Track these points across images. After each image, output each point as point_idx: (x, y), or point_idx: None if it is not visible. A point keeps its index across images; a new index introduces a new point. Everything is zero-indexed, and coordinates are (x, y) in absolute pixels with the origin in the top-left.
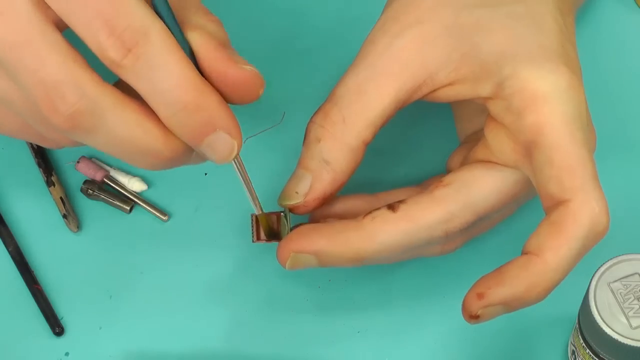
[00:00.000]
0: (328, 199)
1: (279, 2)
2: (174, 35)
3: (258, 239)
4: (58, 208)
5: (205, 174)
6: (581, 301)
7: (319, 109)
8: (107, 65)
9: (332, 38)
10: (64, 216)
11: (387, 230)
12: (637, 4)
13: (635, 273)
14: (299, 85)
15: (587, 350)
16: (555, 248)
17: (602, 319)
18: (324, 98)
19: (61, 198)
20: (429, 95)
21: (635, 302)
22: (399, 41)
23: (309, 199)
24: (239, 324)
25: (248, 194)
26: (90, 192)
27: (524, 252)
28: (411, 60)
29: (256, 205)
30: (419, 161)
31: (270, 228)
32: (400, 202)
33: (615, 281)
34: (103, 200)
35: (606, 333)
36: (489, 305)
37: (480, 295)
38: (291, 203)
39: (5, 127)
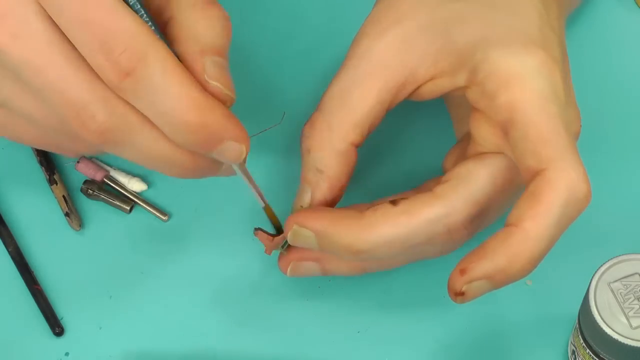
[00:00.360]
0: (332, 205)
1: (279, 2)
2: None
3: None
4: (60, 207)
5: None
6: (581, 301)
7: (308, 119)
8: (109, 86)
9: (332, 38)
10: (67, 214)
11: (387, 222)
12: (637, 4)
13: (635, 273)
14: (299, 85)
15: (587, 350)
16: (533, 217)
17: (602, 319)
18: None
19: (64, 197)
20: (414, 93)
21: (636, 302)
22: (378, 43)
23: None
24: (239, 324)
25: (252, 190)
26: (90, 192)
27: (505, 226)
28: (391, 60)
29: (261, 199)
30: (417, 161)
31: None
32: (402, 198)
33: (616, 281)
34: (103, 200)
35: (606, 333)
36: (472, 281)
37: (462, 271)
38: None
39: (25, 139)
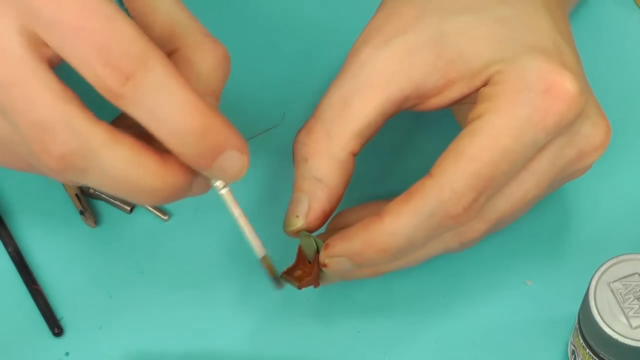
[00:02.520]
0: (329, 215)
1: (279, 2)
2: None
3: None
4: (74, 205)
5: None
6: (581, 301)
7: (303, 126)
8: (106, 96)
9: (332, 38)
10: (81, 212)
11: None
12: (637, 4)
13: (635, 273)
14: (299, 86)
15: (587, 350)
16: (395, 214)
17: (602, 319)
18: None
19: (77, 195)
20: (421, 105)
21: (635, 302)
22: (383, 52)
23: (310, 219)
24: (239, 324)
25: (246, 234)
26: (93, 190)
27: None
28: (396, 71)
29: (257, 246)
30: (413, 166)
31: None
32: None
33: (615, 281)
34: (104, 199)
35: (606, 333)
36: (333, 256)
37: (326, 246)
38: (295, 228)
39: (4, 162)
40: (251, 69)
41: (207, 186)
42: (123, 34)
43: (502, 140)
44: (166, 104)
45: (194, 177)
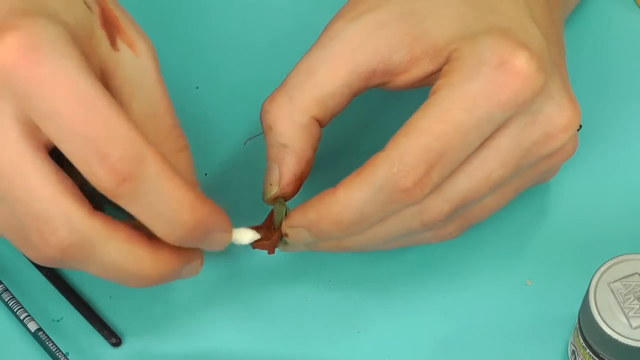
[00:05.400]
0: (301, 179)
1: (280, 2)
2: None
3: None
4: None
5: (205, 174)
6: (581, 301)
7: (269, 95)
8: (100, 191)
9: None
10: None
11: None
12: (637, 4)
13: (635, 273)
14: None
15: (587, 350)
16: (347, 186)
17: (602, 319)
18: None
19: None
20: (390, 83)
21: (636, 302)
22: (352, 26)
23: (283, 185)
24: (239, 323)
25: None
26: None
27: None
28: (363, 44)
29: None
30: None
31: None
32: None
33: (615, 281)
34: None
35: (606, 333)
36: (292, 226)
37: (287, 216)
38: (271, 195)
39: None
40: (250, 69)
41: (197, 271)
42: (121, 134)
43: (454, 113)
44: (161, 203)
45: (185, 264)
